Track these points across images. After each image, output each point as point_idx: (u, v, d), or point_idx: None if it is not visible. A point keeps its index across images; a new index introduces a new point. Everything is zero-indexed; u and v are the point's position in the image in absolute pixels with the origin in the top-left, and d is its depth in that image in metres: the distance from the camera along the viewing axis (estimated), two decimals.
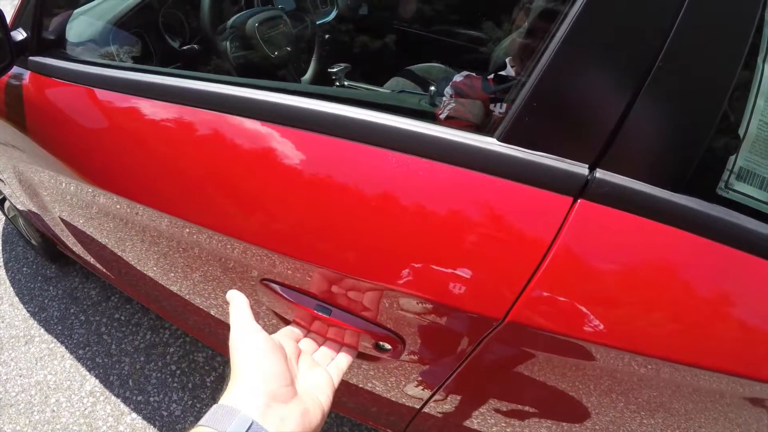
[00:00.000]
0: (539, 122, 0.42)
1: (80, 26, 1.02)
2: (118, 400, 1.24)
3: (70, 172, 0.83)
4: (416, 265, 0.46)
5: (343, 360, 0.48)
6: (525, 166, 0.42)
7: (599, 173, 0.39)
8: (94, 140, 0.77)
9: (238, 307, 0.44)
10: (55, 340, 1.42)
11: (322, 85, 1.23)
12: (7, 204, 1.67)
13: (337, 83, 1.26)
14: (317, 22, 1.36)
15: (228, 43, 0.94)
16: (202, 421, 0.34)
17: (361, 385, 0.73)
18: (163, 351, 1.35)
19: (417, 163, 0.46)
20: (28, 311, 1.53)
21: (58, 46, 0.94)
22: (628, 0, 0.36)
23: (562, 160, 0.41)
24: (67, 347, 1.39)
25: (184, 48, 0.99)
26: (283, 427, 0.35)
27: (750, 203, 0.34)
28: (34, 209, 1.13)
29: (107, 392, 1.26)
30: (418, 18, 1.74)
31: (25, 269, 1.70)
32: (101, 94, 0.73)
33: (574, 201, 0.40)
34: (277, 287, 0.57)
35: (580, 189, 0.40)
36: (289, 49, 1.07)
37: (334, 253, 0.50)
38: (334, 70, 1.23)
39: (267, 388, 0.37)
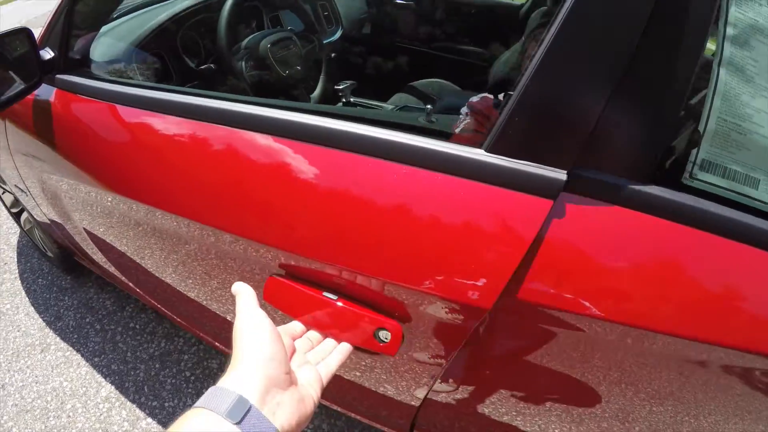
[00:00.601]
0: (521, 134, 0.46)
1: (104, 46, 1.08)
2: (134, 406, 1.27)
3: (94, 181, 0.87)
4: (413, 261, 0.51)
5: (333, 360, 0.50)
6: (509, 173, 0.47)
7: (577, 173, 0.43)
8: (117, 152, 0.82)
9: (245, 297, 0.45)
10: (71, 348, 1.46)
11: (331, 102, 1.29)
12: (23, 216, 1.72)
13: (344, 99, 1.32)
14: (324, 42, 1.43)
15: (243, 62, 1.00)
16: (198, 403, 0.35)
17: (367, 386, 0.77)
18: (177, 358, 1.38)
19: (415, 173, 0.51)
20: (44, 320, 1.57)
21: (83, 65, 1.00)
22: (596, 26, 0.40)
23: (543, 167, 0.45)
24: (82, 355, 1.43)
25: (202, 67, 1.05)
26: (279, 412, 0.36)
27: (713, 190, 0.38)
28: (56, 218, 1.18)
29: (123, 398, 1.29)
30: (418, 36, 1.81)
31: (40, 280, 1.74)
32: (124, 110, 0.78)
33: (555, 203, 0.45)
34: (286, 279, 0.61)
35: (559, 192, 0.44)
36: (299, 67, 1.13)
37: (344, 253, 0.55)
38: (341, 87, 1.29)
39: (267, 372, 0.37)
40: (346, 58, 1.52)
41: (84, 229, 1.09)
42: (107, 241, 1.04)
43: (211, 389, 0.36)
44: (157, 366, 1.36)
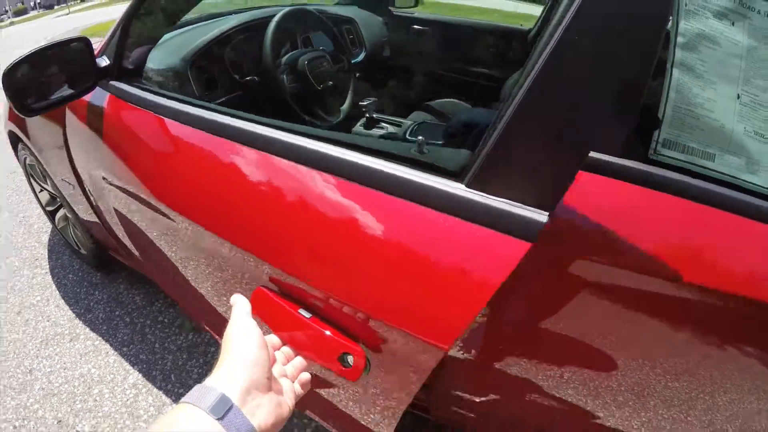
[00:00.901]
0: (501, 170, 0.45)
1: (156, 58, 1.20)
2: (161, 393, 1.33)
3: (140, 187, 0.94)
4: (380, 289, 0.52)
5: (298, 387, 0.52)
6: (486, 210, 0.45)
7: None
8: (160, 164, 0.88)
9: (240, 307, 0.50)
10: (100, 338, 1.53)
11: (356, 115, 1.41)
12: (59, 214, 1.82)
13: (367, 115, 1.43)
14: (351, 62, 1.56)
15: (284, 76, 1.12)
16: (185, 398, 0.38)
17: (345, 409, 0.76)
18: (204, 350, 1.45)
19: (395, 203, 0.51)
20: (73, 312, 1.65)
21: (135, 75, 1.10)
22: (585, 58, 0.42)
23: (523, 207, 0.43)
24: (111, 345, 1.50)
25: (246, 79, 1.17)
26: (258, 413, 0.39)
27: (676, 163, 0.43)
28: (102, 212, 1.27)
29: (150, 385, 1.35)
30: (434, 58, 1.95)
31: (70, 276, 1.83)
32: (168, 123, 0.85)
33: (532, 246, 0.43)
34: (270, 292, 0.65)
35: (539, 235, 0.42)
36: (330, 82, 1.25)
37: (314, 271, 0.58)
38: (365, 103, 1.40)
39: (250, 375, 0.41)
40: (369, 77, 1.65)
41: (126, 227, 1.16)
42: (152, 242, 1.09)
43: (197, 386, 0.39)
44: (184, 356, 1.43)
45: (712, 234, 0.43)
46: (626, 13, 0.42)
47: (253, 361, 0.42)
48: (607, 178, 0.45)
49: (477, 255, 0.45)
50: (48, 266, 1.91)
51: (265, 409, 0.40)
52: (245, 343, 0.44)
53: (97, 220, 1.35)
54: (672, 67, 0.41)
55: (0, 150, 3.28)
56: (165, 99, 0.90)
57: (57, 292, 1.76)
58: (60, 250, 1.99)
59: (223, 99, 1.16)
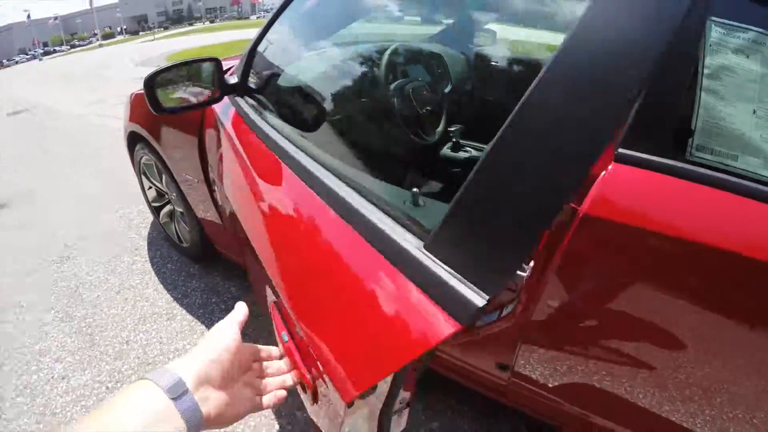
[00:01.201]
0: (454, 239, 0.43)
1: (287, 78, 1.40)
2: None
3: (235, 195, 1.03)
4: (324, 329, 0.53)
5: (267, 399, 0.53)
6: (430, 278, 0.43)
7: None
8: (252, 182, 0.95)
9: (234, 312, 0.52)
10: (195, 320, 1.68)
11: (445, 141, 1.56)
12: (164, 210, 2.05)
13: (454, 140, 1.58)
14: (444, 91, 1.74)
15: (395, 99, 1.30)
16: (147, 375, 0.41)
17: None
18: None
19: (368, 251, 0.52)
20: (171, 296, 1.82)
21: (258, 93, 1.27)
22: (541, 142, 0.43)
23: (467, 285, 0.40)
24: (207, 327, 1.64)
25: (362, 100, 1.36)
26: (206, 404, 0.42)
27: (707, 162, 0.52)
28: (221, 212, 1.44)
29: None
30: (512, 94, 2.09)
31: (169, 265, 2.02)
32: (268, 152, 0.93)
33: (463, 328, 0.40)
34: (274, 308, 0.68)
35: (471, 319, 0.39)
36: (429, 108, 1.42)
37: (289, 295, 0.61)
38: (452, 129, 1.55)
39: (206, 370, 0.43)
40: (455, 106, 1.80)
41: (235, 229, 1.26)
42: (248, 250, 1.11)
43: (161, 367, 0.43)
44: (274, 343, 1.55)
45: (739, 217, 0.52)
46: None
47: (213, 359, 0.45)
48: (651, 172, 0.54)
49: (407, 321, 0.44)
50: (148, 256, 2.13)
51: (212, 403, 0.43)
52: (214, 343, 0.47)
53: (215, 218, 1.53)
54: (701, 91, 0.53)
55: (91, 156, 3.66)
56: (271, 129, 0.98)
57: (156, 278, 1.96)
58: (160, 243, 2.21)
59: (340, 116, 1.34)
